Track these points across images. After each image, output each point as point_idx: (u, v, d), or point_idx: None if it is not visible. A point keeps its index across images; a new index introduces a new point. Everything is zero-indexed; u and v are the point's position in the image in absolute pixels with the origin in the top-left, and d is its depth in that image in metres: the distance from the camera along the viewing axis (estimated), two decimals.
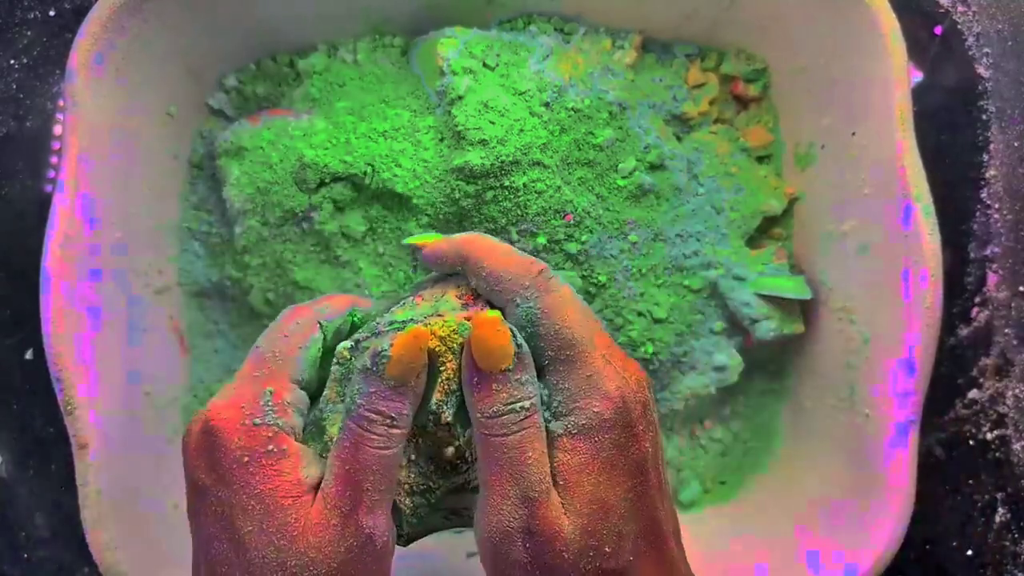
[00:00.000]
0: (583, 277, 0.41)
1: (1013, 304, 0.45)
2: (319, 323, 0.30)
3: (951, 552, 0.44)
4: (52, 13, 0.45)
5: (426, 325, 0.27)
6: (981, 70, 0.45)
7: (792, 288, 0.42)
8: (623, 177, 0.41)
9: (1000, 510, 0.44)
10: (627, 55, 0.43)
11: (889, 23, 0.37)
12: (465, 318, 0.28)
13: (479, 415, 0.27)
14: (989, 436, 0.44)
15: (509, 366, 0.26)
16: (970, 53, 0.45)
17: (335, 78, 0.42)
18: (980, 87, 0.45)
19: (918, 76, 0.45)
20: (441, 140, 0.39)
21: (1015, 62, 0.45)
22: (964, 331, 0.45)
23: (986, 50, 0.45)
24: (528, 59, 0.41)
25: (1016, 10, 0.45)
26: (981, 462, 0.44)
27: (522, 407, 0.26)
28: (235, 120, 0.43)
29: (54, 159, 0.45)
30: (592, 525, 0.26)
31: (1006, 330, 0.44)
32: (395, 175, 0.39)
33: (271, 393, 0.27)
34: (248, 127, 0.41)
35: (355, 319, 0.31)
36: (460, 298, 0.30)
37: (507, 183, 0.38)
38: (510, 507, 0.26)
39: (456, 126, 0.38)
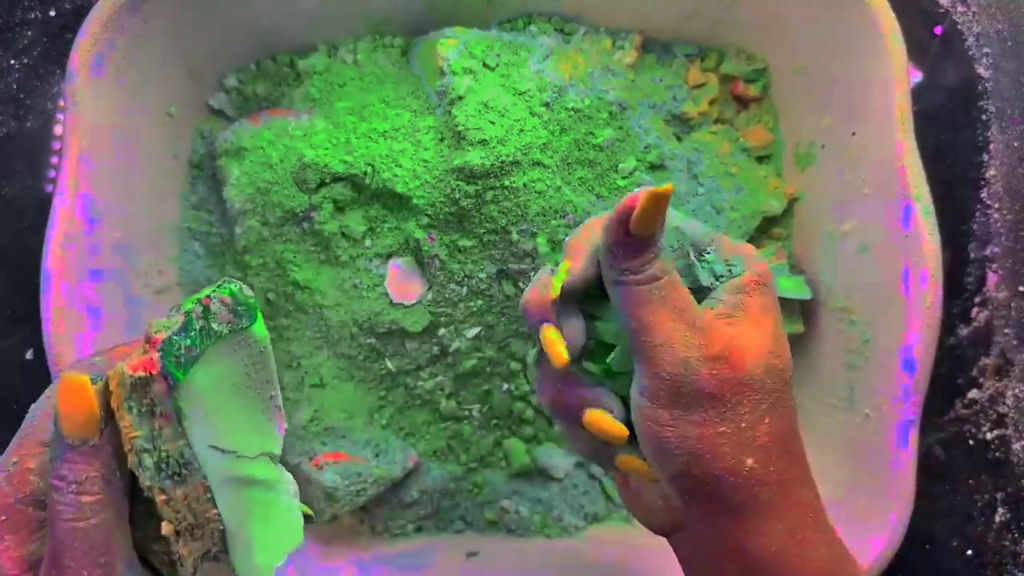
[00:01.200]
0: None
1: (1013, 304, 0.45)
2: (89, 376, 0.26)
3: (951, 552, 0.44)
4: (52, 13, 0.45)
5: (110, 374, 0.25)
6: (981, 70, 0.45)
7: (792, 288, 0.42)
8: (623, 177, 0.41)
9: (1000, 510, 0.44)
10: (627, 55, 0.43)
11: (889, 23, 0.37)
12: (132, 368, 0.24)
13: (627, 273, 0.27)
14: (989, 436, 0.44)
15: (655, 234, 0.27)
16: (970, 53, 0.45)
17: (335, 78, 0.42)
18: (980, 87, 0.45)
19: (918, 76, 0.45)
20: (441, 140, 0.39)
21: (1015, 62, 0.45)
22: (964, 331, 0.45)
23: (986, 50, 0.45)
24: (528, 59, 0.40)
25: (1016, 10, 0.45)
26: (981, 462, 0.44)
27: (658, 263, 0.27)
28: (235, 120, 0.43)
29: (54, 159, 0.45)
30: (772, 346, 0.27)
31: (1006, 330, 0.44)
32: (395, 175, 0.39)
33: (13, 464, 0.25)
34: (248, 127, 0.41)
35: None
36: (148, 340, 0.26)
37: (507, 183, 0.38)
38: (688, 339, 0.26)
39: (456, 126, 0.38)
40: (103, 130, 0.37)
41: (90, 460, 0.24)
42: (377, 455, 0.41)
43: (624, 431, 0.28)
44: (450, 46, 0.39)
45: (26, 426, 0.26)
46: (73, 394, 0.24)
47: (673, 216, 0.29)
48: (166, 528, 0.25)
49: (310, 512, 0.29)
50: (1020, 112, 0.45)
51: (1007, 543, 0.44)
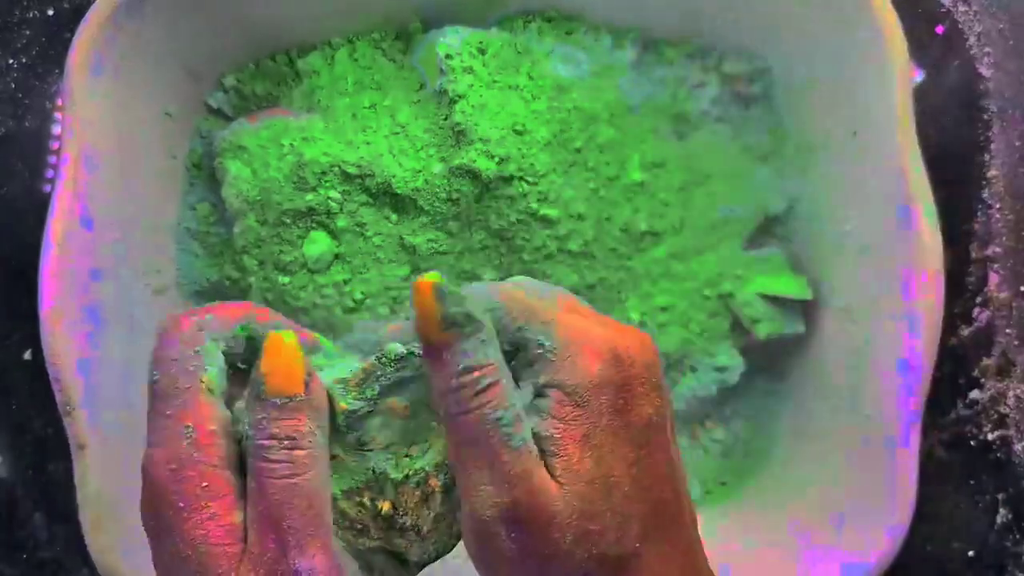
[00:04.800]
0: (583, 276, 0.41)
1: (1014, 304, 0.44)
2: (209, 340, 0.25)
3: (952, 553, 0.44)
4: (51, 12, 0.45)
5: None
6: (982, 69, 0.45)
7: (793, 288, 0.42)
8: (623, 177, 0.41)
9: (1001, 511, 0.44)
10: (628, 54, 0.43)
11: (890, 22, 0.36)
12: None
13: (435, 393, 0.24)
14: (990, 437, 0.44)
15: (454, 333, 0.23)
16: (971, 52, 0.45)
17: (334, 78, 0.42)
18: (981, 86, 0.45)
19: (919, 76, 0.45)
20: (441, 140, 0.39)
21: (1017, 61, 0.45)
22: (965, 331, 0.44)
23: (987, 49, 0.45)
24: (528, 58, 0.40)
25: (1018, 9, 0.45)
26: (982, 463, 0.44)
27: (481, 377, 0.23)
28: (234, 120, 0.43)
29: (53, 159, 0.44)
30: (592, 506, 0.23)
31: (1007, 330, 0.44)
32: (395, 175, 0.39)
33: (192, 429, 0.24)
34: (247, 127, 0.41)
35: (248, 334, 0.26)
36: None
37: (507, 183, 0.38)
38: (487, 493, 0.23)
39: (456, 126, 0.38)
40: (101, 130, 0.37)
41: (299, 414, 0.23)
42: None
43: None
44: (449, 45, 0.39)
45: (169, 393, 0.24)
46: (281, 353, 0.24)
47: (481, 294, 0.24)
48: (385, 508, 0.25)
49: None
50: (1022, 112, 0.44)
51: (1008, 544, 0.44)
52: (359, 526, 0.25)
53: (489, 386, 0.23)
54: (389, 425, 0.25)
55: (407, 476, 0.25)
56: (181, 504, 0.23)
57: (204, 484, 0.23)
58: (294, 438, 0.23)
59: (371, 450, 0.25)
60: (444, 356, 0.23)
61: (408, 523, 0.25)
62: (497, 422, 0.23)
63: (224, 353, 0.25)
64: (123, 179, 0.39)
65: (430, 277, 0.23)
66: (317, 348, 0.28)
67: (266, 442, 0.23)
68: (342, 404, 0.25)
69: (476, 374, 0.23)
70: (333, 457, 0.25)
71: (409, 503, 0.25)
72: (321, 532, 0.23)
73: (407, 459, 0.25)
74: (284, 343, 0.24)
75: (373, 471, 0.25)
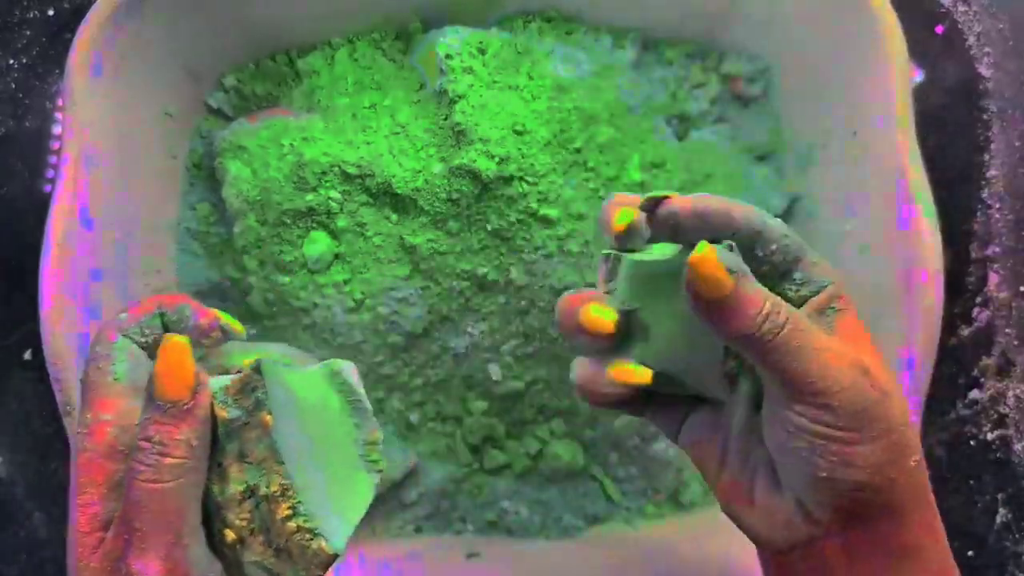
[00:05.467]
0: (583, 276, 0.41)
1: (1014, 304, 0.44)
2: (121, 333, 0.27)
3: (952, 552, 0.44)
4: (51, 13, 0.45)
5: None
6: (982, 69, 0.45)
7: None
8: (623, 177, 0.41)
9: (1001, 511, 0.44)
10: (627, 54, 0.43)
11: (890, 22, 0.37)
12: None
13: (746, 333, 0.25)
14: (990, 436, 0.44)
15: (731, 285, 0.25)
16: (971, 52, 0.45)
17: (334, 78, 0.42)
18: (981, 86, 0.45)
19: (919, 76, 0.45)
20: (441, 140, 0.39)
21: (1016, 61, 0.45)
22: (965, 331, 0.44)
23: (987, 49, 0.45)
24: (528, 58, 0.40)
25: (1017, 9, 0.45)
26: (982, 462, 0.44)
27: (771, 308, 0.25)
28: (234, 120, 0.43)
29: (53, 159, 0.45)
30: (886, 371, 0.27)
31: (1007, 330, 0.44)
32: (395, 175, 0.39)
33: (89, 420, 0.25)
34: (247, 127, 0.41)
35: (163, 320, 0.27)
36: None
37: (507, 183, 0.38)
38: (843, 360, 0.25)
39: (456, 126, 0.38)
40: (101, 130, 0.37)
41: (178, 423, 0.24)
42: None
43: (648, 376, 0.28)
44: (449, 45, 0.39)
45: (94, 376, 0.26)
46: (173, 356, 0.24)
47: (754, 219, 0.27)
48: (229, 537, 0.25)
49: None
50: (1021, 112, 0.45)
51: (1008, 544, 0.44)
52: (240, 538, 0.25)
53: (782, 309, 0.26)
54: (262, 440, 0.25)
55: (276, 494, 0.25)
56: (73, 489, 0.25)
57: (85, 472, 0.25)
58: (166, 444, 0.24)
59: (250, 463, 0.25)
60: (740, 298, 0.25)
61: (281, 544, 0.25)
62: (806, 325, 0.26)
63: (145, 345, 0.27)
64: (123, 179, 0.39)
65: (705, 246, 0.25)
66: (230, 335, 0.28)
67: (141, 443, 0.24)
68: (222, 412, 0.25)
69: (771, 302, 0.25)
70: (219, 465, 0.25)
71: (277, 522, 0.25)
72: (167, 540, 0.24)
73: (276, 476, 0.25)
74: (175, 346, 0.24)
75: (247, 484, 0.25)
